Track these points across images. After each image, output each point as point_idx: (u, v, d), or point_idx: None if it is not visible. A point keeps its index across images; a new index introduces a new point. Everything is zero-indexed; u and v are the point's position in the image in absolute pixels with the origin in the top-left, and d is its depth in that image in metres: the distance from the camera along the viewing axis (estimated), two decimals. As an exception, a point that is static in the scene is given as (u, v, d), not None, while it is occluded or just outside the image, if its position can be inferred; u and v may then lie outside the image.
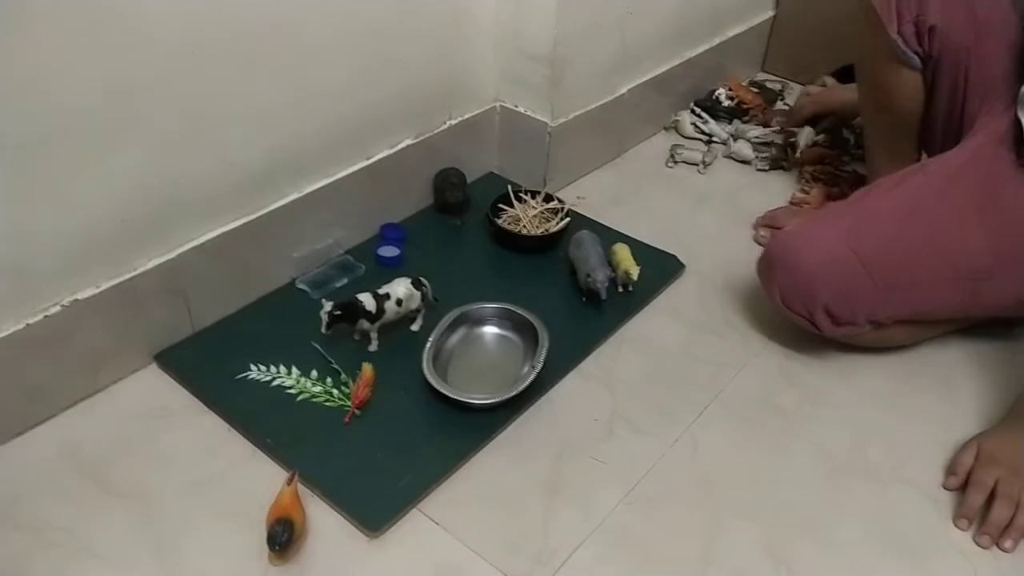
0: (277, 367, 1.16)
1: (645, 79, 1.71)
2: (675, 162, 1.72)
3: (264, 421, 1.08)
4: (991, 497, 1.02)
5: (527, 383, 1.12)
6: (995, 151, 1.20)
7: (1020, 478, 1.03)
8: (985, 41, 1.23)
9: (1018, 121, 1.19)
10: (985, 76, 1.24)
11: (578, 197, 1.55)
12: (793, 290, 1.18)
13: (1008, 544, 0.99)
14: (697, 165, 1.71)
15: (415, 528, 0.99)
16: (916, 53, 1.27)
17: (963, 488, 1.05)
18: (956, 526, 1.02)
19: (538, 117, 1.52)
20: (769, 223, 1.51)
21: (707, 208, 1.59)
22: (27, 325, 1.01)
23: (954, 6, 1.23)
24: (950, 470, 1.08)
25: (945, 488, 1.07)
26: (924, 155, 1.41)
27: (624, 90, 1.66)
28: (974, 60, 1.24)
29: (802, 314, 1.18)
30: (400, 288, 1.19)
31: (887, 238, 1.16)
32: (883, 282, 1.15)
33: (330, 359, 1.17)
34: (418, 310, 1.23)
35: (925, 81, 1.30)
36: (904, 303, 1.19)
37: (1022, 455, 1.05)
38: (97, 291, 1.07)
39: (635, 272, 1.30)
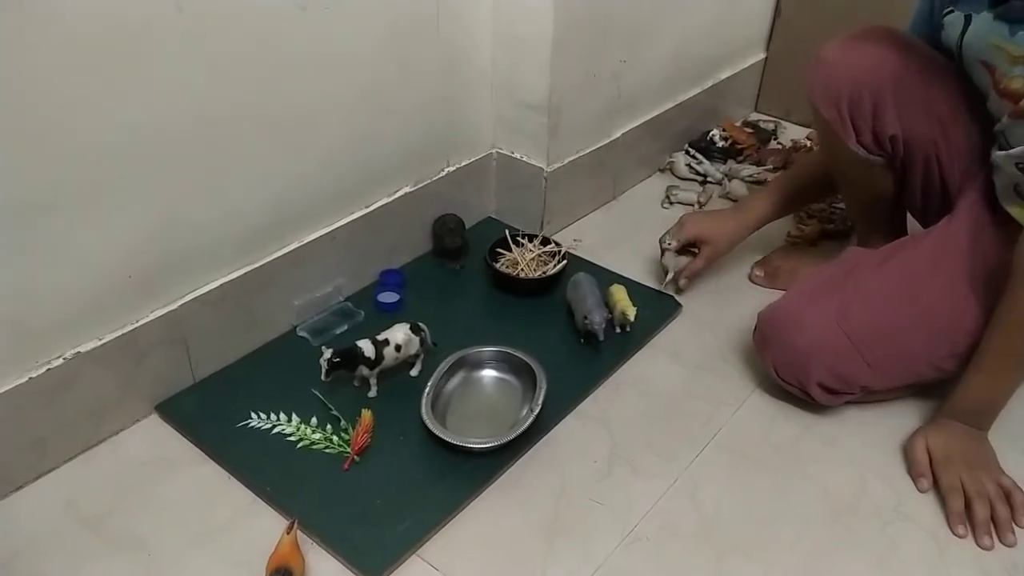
0: (277, 415, 1.17)
1: (640, 122, 1.74)
2: (671, 203, 1.74)
3: (264, 469, 1.09)
4: (965, 496, 1.07)
5: (526, 426, 1.12)
6: (979, 216, 1.20)
7: (978, 471, 1.09)
8: (951, 129, 1.22)
9: (993, 184, 1.20)
10: (958, 153, 1.24)
11: (575, 240, 1.57)
12: (787, 367, 1.18)
13: (1009, 538, 1.04)
14: (693, 206, 1.73)
15: (415, 574, 0.99)
16: (880, 155, 1.26)
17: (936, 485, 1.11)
18: (956, 535, 1.05)
19: (534, 163, 1.55)
20: (764, 264, 1.52)
21: (703, 248, 1.60)
22: (29, 379, 1.03)
23: (911, 109, 1.21)
24: (917, 472, 1.12)
25: (920, 491, 1.11)
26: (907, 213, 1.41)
27: (619, 134, 1.69)
28: (943, 147, 1.23)
29: (796, 386, 1.19)
30: (399, 334, 1.21)
31: (879, 320, 1.15)
32: (876, 362, 1.15)
33: (330, 406, 1.18)
34: (417, 355, 1.24)
35: (895, 168, 1.29)
36: (898, 376, 1.19)
37: (968, 448, 1.12)
38: (99, 343, 1.09)
39: (632, 313, 1.31)
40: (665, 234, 1.44)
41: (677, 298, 1.43)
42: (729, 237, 1.43)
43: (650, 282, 1.47)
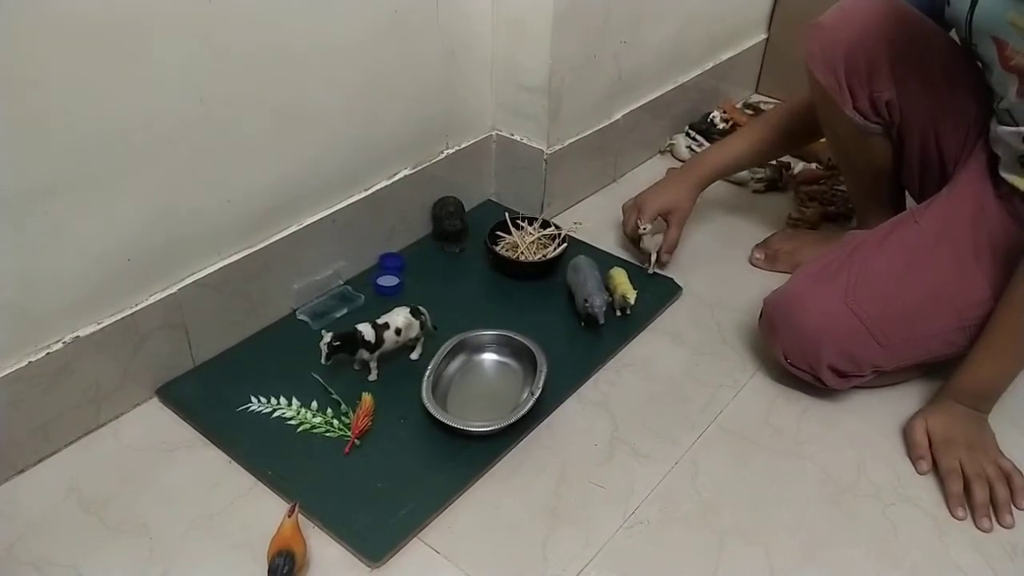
0: (278, 399, 1.17)
1: (640, 104, 1.73)
2: (671, 185, 1.73)
3: (265, 453, 1.09)
4: (964, 478, 1.08)
5: (526, 409, 1.12)
6: (981, 187, 1.20)
7: (977, 453, 1.09)
8: (948, 99, 1.22)
9: (993, 156, 1.19)
10: (955, 124, 1.23)
11: (575, 222, 1.56)
12: (797, 351, 1.17)
13: (1008, 520, 1.04)
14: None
15: (416, 558, 0.99)
16: (877, 123, 1.26)
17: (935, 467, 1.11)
18: (956, 517, 1.05)
19: (534, 144, 1.54)
20: (765, 247, 1.52)
21: (703, 230, 1.60)
22: (29, 363, 1.03)
23: (908, 75, 1.20)
24: (916, 455, 1.12)
25: (920, 473, 1.11)
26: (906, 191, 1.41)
27: (619, 115, 1.68)
28: (940, 116, 1.23)
29: (807, 371, 1.18)
30: (399, 317, 1.20)
31: (887, 298, 1.14)
32: (887, 340, 1.14)
33: (330, 390, 1.18)
34: (417, 339, 1.24)
35: (892, 138, 1.29)
36: (910, 355, 1.18)
37: (968, 430, 1.12)
38: (99, 327, 1.08)
39: (632, 296, 1.31)
40: (625, 222, 1.47)
41: (677, 281, 1.43)
42: (688, 197, 1.46)
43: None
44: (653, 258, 1.44)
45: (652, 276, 1.44)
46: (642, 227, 1.43)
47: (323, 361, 1.16)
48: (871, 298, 1.14)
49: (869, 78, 1.21)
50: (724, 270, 1.49)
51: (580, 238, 1.52)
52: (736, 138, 1.50)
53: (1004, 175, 1.17)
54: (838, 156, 1.41)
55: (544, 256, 1.44)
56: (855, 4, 1.21)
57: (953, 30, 1.20)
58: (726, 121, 1.89)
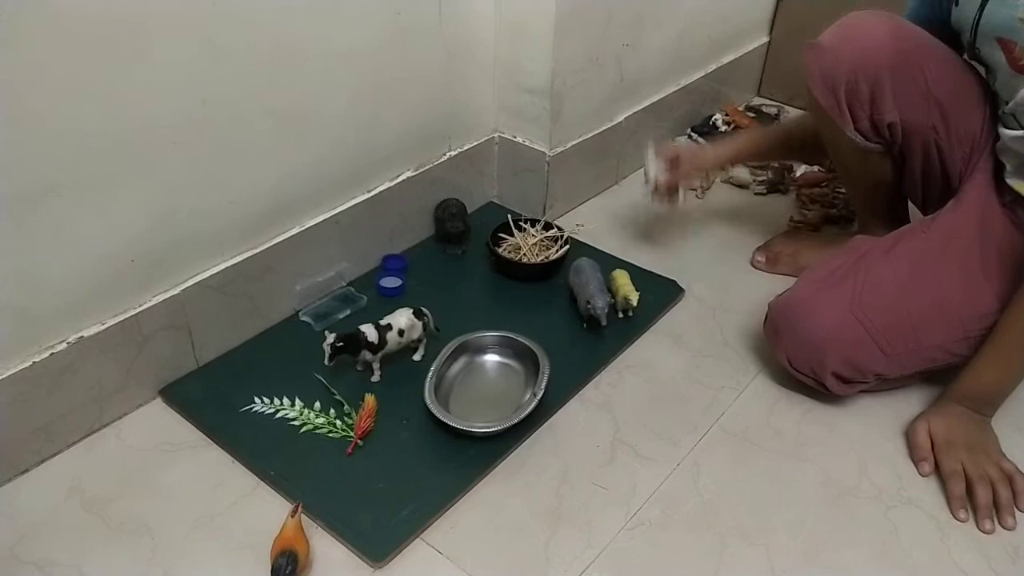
0: (281, 399, 1.17)
1: (642, 106, 1.73)
2: (673, 188, 1.73)
3: (268, 454, 1.09)
4: (967, 480, 1.08)
5: (529, 410, 1.12)
6: (987, 198, 1.19)
7: (979, 455, 1.09)
8: (951, 114, 1.21)
9: (999, 166, 1.19)
10: (958, 138, 1.22)
11: (577, 224, 1.56)
12: (801, 358, 1.17)
13: (1009, 522, 1.04)
14: (695, 190, 1.72)
15: (419, 558, 0.99)
16: (878, 143, 1.25)
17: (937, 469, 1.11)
18: (958, 519, 1.05)
19: (536, 147, 1.54)
20: (766, 249, 1.52)
21: (705, 233, 1.60)
22: (33, 363, 1.03)
23: (909, 95, 1.19)
24: (919, 457, 1.12)
25: (922, 475, 1.11)
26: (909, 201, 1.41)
27: (621, 118, 1.68)
28: (943, 132, 1.22)
29: (810, 376, 1.18)
30: (402, 318, 1.21)
31: (893, 307, 1.14)
32: (891, 350, 1.14)
33: (333, 390, 1.18)
34: (420, 340, 1.24)
35: (894, 156, 1.28)
36: (913, 364, 1.18)
37: (971, 432, 1.12)
38: (102, 328, 1.08)
39: (635, 298, 1.31)
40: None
41: (679, 283, 1.43)
42: (709, 159, 1.48)
43: (652, 266, 1.46)
44: (651, 187, 1.46)
45: (654, 278, 1.44)
46: (649, 148, 1.47)
47: (326, 362, 1.16)
48: (877, 307, 1.14)
49: (871, 100, 1.20)
50: (726, 272, 1.49)
51: (582, 240, 1.52)
52: (769, 128, 1.51)
53: (1009, 182, 1.17)
54: (839, 170, 1.41)
55: (546, 258, 1.44)
56: (855, 23, 1.20)
57: (959, 40, 1.19)
58: (728, 124, 1.90)
